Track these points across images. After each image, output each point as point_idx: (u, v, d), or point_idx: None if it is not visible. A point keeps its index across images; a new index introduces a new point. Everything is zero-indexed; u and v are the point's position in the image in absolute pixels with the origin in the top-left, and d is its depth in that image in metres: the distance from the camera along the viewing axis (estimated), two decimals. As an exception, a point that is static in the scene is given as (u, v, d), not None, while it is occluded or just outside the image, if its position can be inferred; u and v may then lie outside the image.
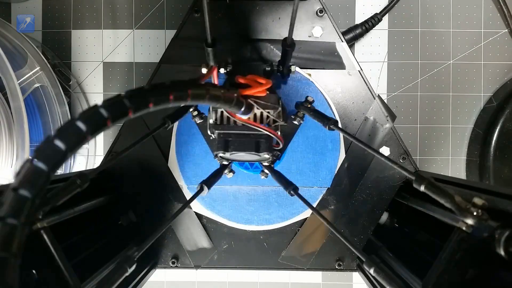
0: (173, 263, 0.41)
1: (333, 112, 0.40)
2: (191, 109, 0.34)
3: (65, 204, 0.29)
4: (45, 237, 0.25)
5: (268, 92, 0.28)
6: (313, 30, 0.40)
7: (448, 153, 0.49)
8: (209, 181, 0.31)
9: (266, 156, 0.29)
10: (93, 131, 0.14)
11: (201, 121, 0.36)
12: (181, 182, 0.41)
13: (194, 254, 0.41)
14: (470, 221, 0.21)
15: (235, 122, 0.28)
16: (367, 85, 0.40)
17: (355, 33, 0.47)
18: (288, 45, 0.30)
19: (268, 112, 0.28)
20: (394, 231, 0.42)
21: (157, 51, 0.50)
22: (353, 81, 0.40)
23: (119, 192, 0.40)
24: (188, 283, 0.50)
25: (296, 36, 0.40)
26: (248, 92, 0.27)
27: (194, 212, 0.41)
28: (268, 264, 0.42)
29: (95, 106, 0.14)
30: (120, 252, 0.37)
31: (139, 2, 0.50)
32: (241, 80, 0.29)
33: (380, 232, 0.41)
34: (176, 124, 0.40)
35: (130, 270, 0.24)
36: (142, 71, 0.50)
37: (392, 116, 0.40)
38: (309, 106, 0.33)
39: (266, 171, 0.34)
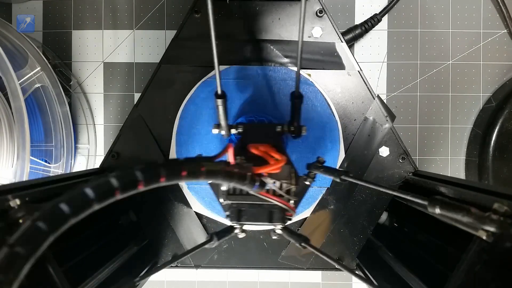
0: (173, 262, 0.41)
1: (333, 112, 0.40)
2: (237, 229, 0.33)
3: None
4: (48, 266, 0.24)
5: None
6: (313, 30, 0.40)
7: (448, 153, 0.50)
8: (220, 235, 0.30)
9: (279, 226, 0.29)
10: (100, 200, 0.14)
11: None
12: (181, 182, 0.41)
13: (194, 254, 0.41)
14: (491, 228, 0.20)
15: (247, 192, 0.28)
16: (366, 85, 0.40)
17: (354, 34, 0.47)
18: (296, 96, 0.30)
19: (281, 185, 0.28)
20: (393, 231, 0.42)
21: (157, 52, 0.50)
22: (353, 81, 0.40)
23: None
24: (188, 283, 0.50)
25: (295, 37, 0.40)
26: (262, 170, 0.26)
27: (194, 212, 0.41)
28: (268, 264, 0.42)
29: (107, 175, 0.15)
30: (120, 251, 0.37)
31: (139, 2, 0.50)
32: (254, 151, 0.29)
33: (379, 231, 0.41)
34: (176, 124, 0.40)
35: None
36: (142, 71, 0.50)
37: (392, 116, 0.40)
38: (320, 165, 0.33)
39: (278, 232, 0.32)
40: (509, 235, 0.19)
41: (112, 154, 0.40)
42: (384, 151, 0.40)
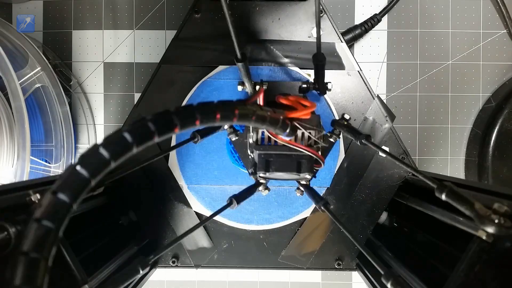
0: (173, 262, 0.41)
1: (332, 112, 0.40)
2: (226, 127, 0.34)
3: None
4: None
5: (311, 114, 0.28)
6: (312, 30, 0.40)
7: (447, 153, 0.50)
8: (240, 197, 0.30)
9: (307, 176, 0.29)
10: (139, 143, 0.14)
11: (237, 138, 0.36)
12: (181, 182, 0.41)
13: (194, 254, 0.42)
14: (491, 230, 0.19)
15: (275, 142, 0.28)
16: (366, 85, 0.40)
17: (354, 34, 0.47)
18: (319, 59, 0.30)
19: (311, 133, 0.28)
20: (393, 231, 0.42)
21: (157, 52, 0.50)
22: (353, 81, 0.40)
23: (119, 191, 0.41)
24: (188, 283, 0.50)
25: (295, 37, 0.40)
26: (294, 115, 0.27)
27: (195, 212, 0.41)
28: (268, 264, 0.42)
29: (143, 119, 0.15)
30: (120, 251, 0.37)
31: (139, 2, 0.50)
32: (283, 101, 0.29)
33: (379, 231, 0.41)
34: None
35: (142, 272, 0.24)
36: (142, 71, 0.50)
37: (391, 116, 0.40)
38: (345, 123, 0.33)
39: (302, 188, 0.33)
40: (509, 235, 0.19)
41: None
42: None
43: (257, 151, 0.28)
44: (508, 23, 0.48)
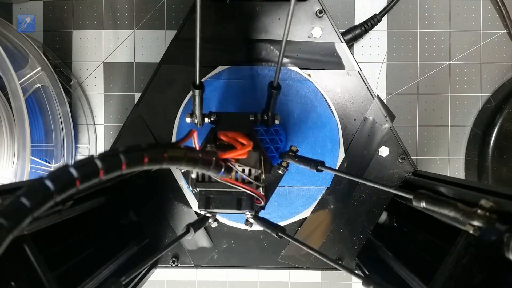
0: (173, 262, 0.41)
1: (332, 112, 0.40)
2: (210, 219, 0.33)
3: (65, 203, 0.29)
4: (25, 247, 0.23)
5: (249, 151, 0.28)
6: (312, 30, 0.40)
7: (447, 153, 0.50)
8: (195, 226, 0.30)
9: (248, 213, 0.29)
10: (60, 191, 0.14)
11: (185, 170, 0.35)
12: (181, 182, 0.41)
13: (194, 254, 0.42)
14: (477, 223, 0.21)
15: (216, 180, 0.28)
16: (366, 85, 0.40)
17: (354, 34, 0.47)
18: (274, 87, 0.30)
19: (249, 171, 0.28)
20: (393, 231, 0.42)
21: (157, 52, 0.50)
22: (353, 82, 0.40)
23: (119, 191, 0.41)
24: (188, 282, 0.50)
25: (296, 37, 0.40)
26: (227, 155, 0.26)
27: (194, 212, 0.41)
28: (268, 264, 0.42)
29: (66, 165, 0.14)
30: (120, 251, 0.37)
31: (139, 3, 0.50)
32: (223, 138, 0.29)
33: (379, 231, 0.41)
34: (176, 124, 0.40)
35: None
36: (142, 71, 0.50)
37: (391, 116, 0.40)
38: (293, 155, 0.33)
39: (250, 220, 0.33)
40: (494, 229, 0.21)
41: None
42: (383, 151, 0.40)
43: (198, 188, 0.29)
44: (508, 23, 0.48)
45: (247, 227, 0.41)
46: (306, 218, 0.41)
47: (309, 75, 0.40)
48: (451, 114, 0.50)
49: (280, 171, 0.34)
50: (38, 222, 0.26)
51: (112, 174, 0.15)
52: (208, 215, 0.31)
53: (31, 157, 0.39)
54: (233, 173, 0.28)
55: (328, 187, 0.40)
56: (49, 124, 0.45)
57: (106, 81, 0.50)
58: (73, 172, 0.14)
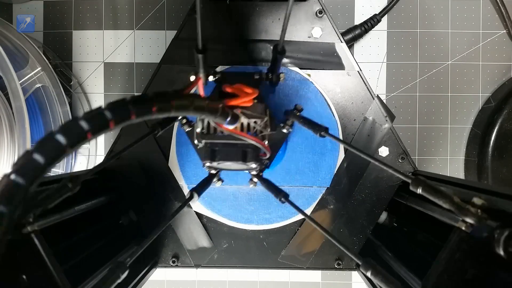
0: (173, 262, 0.41)
1: (332, 112, 0.40)
2: (179, 117, 0.34)
3: (65, 204, 0.29)
4: (36, 241, 0.24)
5: (255, 101, 0.28)
6: (312, 30, 0.40)
7: (447, 153, 0.50)
8: (199, 189, 0.31)
9: (253, 165, 0.29)
10: (72, 144, 0.14)
11: (190, 129, 0.36)
12: (182, 182, 0.41)
13: (194, 253, 0.42)
14: (469, 220, 0.21)
15: (222, 131, 0.28)
16: (366, 85, 0.40)
17: (354, 34, 0.47)
18: (279, 51, 0.30)
19: (255, 122, 0.28)
20: (393, 231, 0.42)
21: (157, 52, 0.50)
22: (352, 82, 0.40)
23: (119, 191, 0.41)
24: (188, 282, 0.50)
25: (295, 37, 0.40)
26: (233, 102, 0.27)
27: (194, 211, 0.41)
28: (267, 263, 0.42)
29: (75, 118, 0.14)
30: (121, 251, 0.37)
31: (139, 3, 0.50)
32: (228, 89, 0.29)
33: (379, 231, 0.41)
34: (176, 124, 0.40)
35: (122, 277, 0.24)
36: (142, 71, 0.50)
37: (391, 116, 0.40)
38: (298, 114, 0.33)
39: (254, 179, 0.33)
40: (485, 226, 0.21)
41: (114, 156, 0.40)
42: (383, 151, 0.40)
43: (203, 140, 0.28)
44: (508, 23, 0.48)
45: (247, 227, 0.41)
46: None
47: (309, 75, 0.40)
48: (451, 114, 0.50)
49: (284, 130, 0.34)
50: (42, 220, 0.27)
51: (121, 124, 0.15)
52: (212, 171, 0.31)
53: (31, 157, 0.39)
54: (239, 125, 0.28)
55: (328, 187, 0.41)
56: (49, 124, 0.45)
57: (106, 81, 0.50)
58: (83, 124, 0.14)
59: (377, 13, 0.48)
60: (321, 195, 0.41)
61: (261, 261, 0.42)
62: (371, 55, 0.49)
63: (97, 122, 0.15)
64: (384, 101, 0.49)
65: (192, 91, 0.26)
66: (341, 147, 0.40)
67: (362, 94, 0.40)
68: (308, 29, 0.40)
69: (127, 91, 0.50)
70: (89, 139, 0.14)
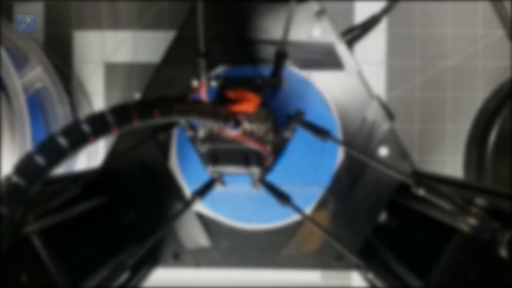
0: (173, 261, 0.41)
1: (332, 112, 0.40)
2: (183, 122, 0.34)
3: (66, 203, 0.29)
4: (36, 241, 0.24)
5: (258, 107, 0.28)
6: (312, 31, 0.40)
7: (447, 153, 0.50)
8: (202, 192, 0.31)
9: (256, 170, 0.30)
10: (74, 147, 0.14)
11: (193, 133, 0.36)
12: (182, 182, 0.41)
13: (194, 253, 0.42)
14: (471, 221, 0.21)
15: (224, 138, 0.28)
16: (366, 85, 0.40)
17: (354, 34, 0.47)
18: (281, 55, 0.30)
19: (258, 127, 0.28)
20: (392, 231, 0.42)
21: (157, 52, 0.50)
22: (352, 82, 0.40)
23: (120, 191, 0.41)
24: (188, 282, 0.50)
25: (295, 37, 0.40)
26: (235, 108, 0.27)
27: (194, 211, 0.41)
28: (267, 263, 0.42)
29: (77, 121, 0.14)
30: (121, 251, 0.37)
31: (139, 3, 0.50)
32: (231, 95, 0.29)
33: (378, 231, 0.41)
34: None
35: (124, 277, 0.24)
36: (142, 71, 0.50)
37: (391, 116, 0.40)
38: (300, 119, 0.33)
39: (257, 184, 0.34)
40: (487, 227, 0.21)
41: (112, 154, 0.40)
42: (383, 151, 0.40)
43: (206, 145, 0.29)
44: (507, 24, 0.48)
45: (247, 227, 0.41)
46: (306, 218, 0.41)
47: (309, 75, 0.40)
48: (451, 114, 0.50)
49: (286, 135, 0.34)
50: (42, 221, 0.27)
51: (123, 127, 0.15)
52: (215, 175, 0.31)
53: (32, 157, 0.39)
54: (242, 130, 0.28)
55: (328, 187, 0.41)
56: (50, 124, 0.45)
57: (106, 81, 0.50)
58: (85, 127, 0.14)
59: (377, 13, 0.48)
60: (321, 194, 0.41)
61: (261, 261, 0.42)
62: (371, 55, 0.50)
63: (99, 125, 0.15)
64: (384, 101, 0.49)
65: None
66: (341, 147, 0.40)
67: (362, 94, 0.40)
68: (308, 29, 0.40)
69: (127, 91, 0.50)
70: (91, 142, 0.15)
